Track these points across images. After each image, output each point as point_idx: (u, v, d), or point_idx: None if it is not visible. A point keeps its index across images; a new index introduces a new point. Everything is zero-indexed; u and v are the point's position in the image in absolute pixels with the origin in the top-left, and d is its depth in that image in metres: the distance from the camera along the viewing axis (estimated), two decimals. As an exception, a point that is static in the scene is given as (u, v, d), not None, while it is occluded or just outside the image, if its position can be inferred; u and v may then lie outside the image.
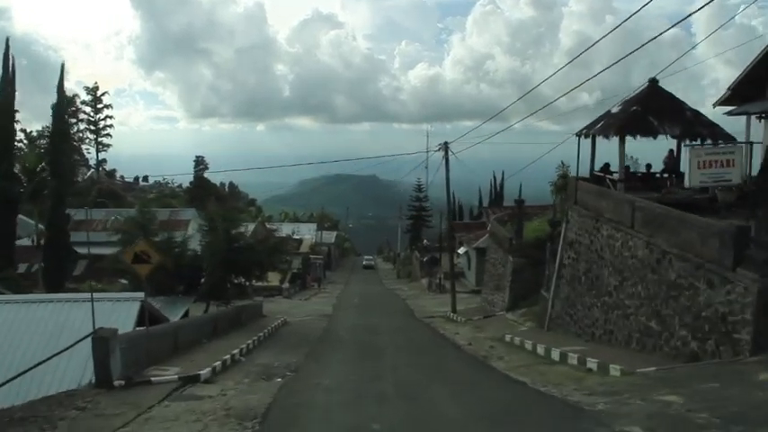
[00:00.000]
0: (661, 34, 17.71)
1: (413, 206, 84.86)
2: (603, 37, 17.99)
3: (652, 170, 20.87)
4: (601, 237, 17.97)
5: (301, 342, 21.67)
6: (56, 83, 33.03)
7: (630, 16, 15.83)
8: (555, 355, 15.01)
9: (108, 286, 29.78)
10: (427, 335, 24.99)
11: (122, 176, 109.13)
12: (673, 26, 44.84)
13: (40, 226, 36.56)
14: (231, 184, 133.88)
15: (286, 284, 48.83)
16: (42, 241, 35.00)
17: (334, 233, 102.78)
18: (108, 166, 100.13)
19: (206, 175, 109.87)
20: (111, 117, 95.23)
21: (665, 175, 20.33)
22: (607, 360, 12.45)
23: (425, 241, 72.39)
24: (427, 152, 35.23)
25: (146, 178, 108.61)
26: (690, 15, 15.78)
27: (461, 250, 50.23)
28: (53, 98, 32.89)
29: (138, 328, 15.22)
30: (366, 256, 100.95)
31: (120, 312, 15.82)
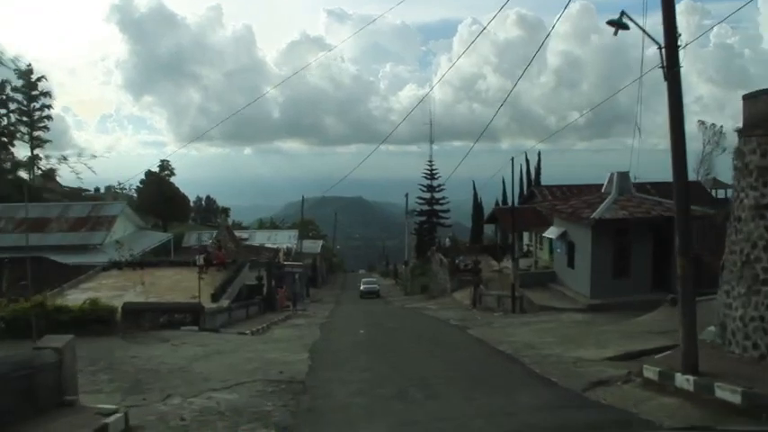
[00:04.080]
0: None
1: (422, 199, 60.62)
2: None
3: None
4: None
5: None
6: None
7: None
8: None
9: None
10: None
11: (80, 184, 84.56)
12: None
13: None
14: (209, 198, 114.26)
15: (223, 302, 24.23)
16: None
17: (320, 242, 78.61)
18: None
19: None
20: (49, 107, 71.74)
21: None
22: None
23: (448, 239, 48.45)
24: None
25: (109, 188, 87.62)
26: None
27: (551, 233, 26.24)
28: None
29: None
30: (364, 278, 62.41)
31: None
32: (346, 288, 65.04)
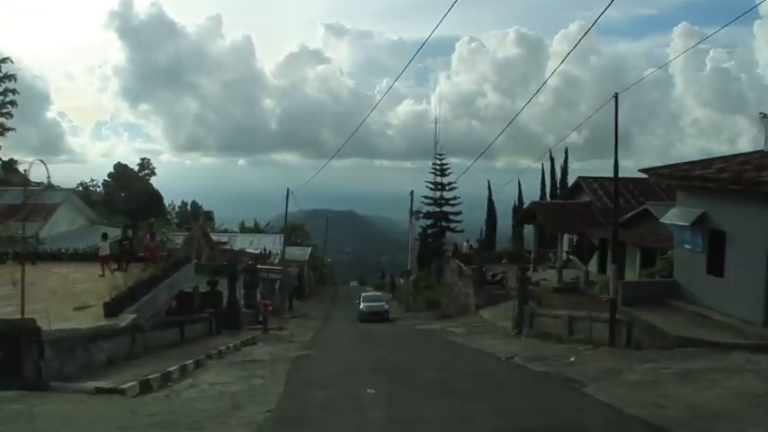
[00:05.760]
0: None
1: (429, 198, 50.04)
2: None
3: None
4: None
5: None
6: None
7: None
8: None
9: None
10: None
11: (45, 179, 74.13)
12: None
13: None
14: (194, 203, 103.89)
15: (126, 316, 13.61)
16: None
17: (309, 249, 68.05)
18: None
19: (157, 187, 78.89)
20: (14, 92, 61.38)
21: None
22: None
23: (468, 244, 37.92)
24: None
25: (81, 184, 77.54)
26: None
27: (673, 218, 15.70)
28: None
29: None
30: (365, 293, 45.47)
31: None
32: (337, 302, 54.38)
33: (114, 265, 19.57)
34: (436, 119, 55.92)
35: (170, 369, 10.82)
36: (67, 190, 43.06)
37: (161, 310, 17.60)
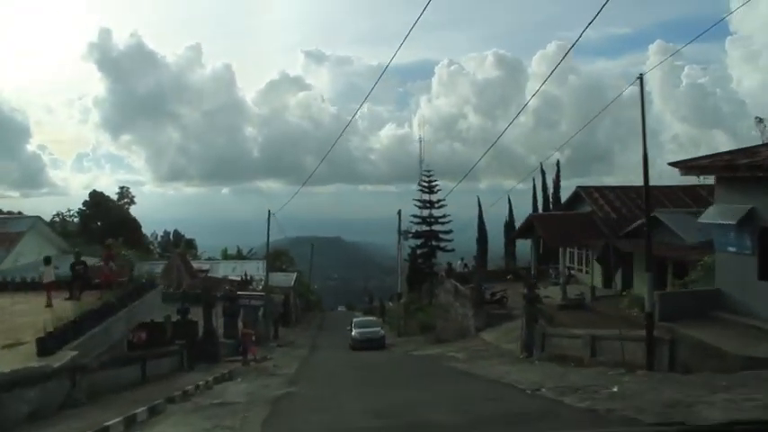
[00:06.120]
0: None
1: (418, 217, 47.65)
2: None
3: None
4: None
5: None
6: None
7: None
8: None
9: None
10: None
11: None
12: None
13: None
14: (176, 231, 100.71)
15: (65, 353, 11.00)
16: None
17: (294, 275, 65.26)
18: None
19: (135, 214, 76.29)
20: None
21: None
22: None
23: (462, 263, 35.53)
24: None
25: (58, 215, 74.25)
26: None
27: (712, 217, 13.41)
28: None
29: None
30: (357, 318, 40.60)
31: None
32: (325, 329, 51.67)
33: (66, 294, 16.99)
34: (420, 138, 54.61)
35: (108, 423, 8.24)
36: (34, 218, 40.07)
37: (118, 343, 15.03)
